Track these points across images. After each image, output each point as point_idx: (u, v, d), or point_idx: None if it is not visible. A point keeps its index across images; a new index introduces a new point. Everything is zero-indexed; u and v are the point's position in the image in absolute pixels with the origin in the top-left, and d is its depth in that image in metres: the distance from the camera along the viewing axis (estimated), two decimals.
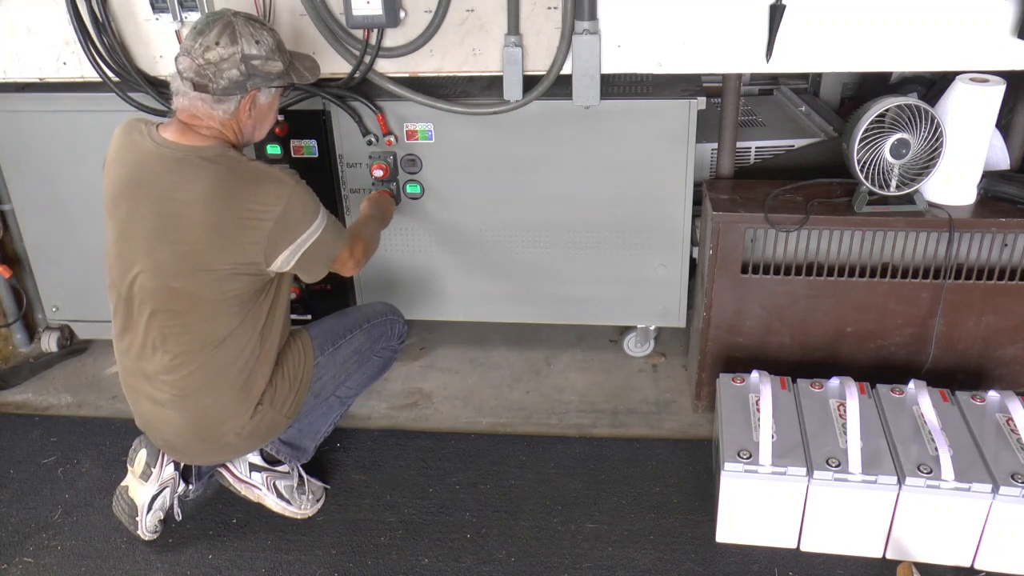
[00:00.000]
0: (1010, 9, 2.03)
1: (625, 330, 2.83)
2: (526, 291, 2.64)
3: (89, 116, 2.49)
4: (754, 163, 2.65)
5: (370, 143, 2.44)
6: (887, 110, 2.08)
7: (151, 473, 2.09)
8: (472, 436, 2.49)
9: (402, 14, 2.16)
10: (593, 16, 2.10)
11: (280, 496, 2.18)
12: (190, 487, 2.17)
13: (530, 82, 2.21)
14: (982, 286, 2.25)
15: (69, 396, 2.75)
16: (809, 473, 1.96)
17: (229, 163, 1.83)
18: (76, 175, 2.57)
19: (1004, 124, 2.36)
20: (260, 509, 2.21)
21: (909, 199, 2.20)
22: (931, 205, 2.22)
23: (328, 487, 2.28)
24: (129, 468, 2.11)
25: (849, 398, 2.01)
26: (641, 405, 2.61)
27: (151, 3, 2.22)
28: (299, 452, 2.21)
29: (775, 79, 3.19)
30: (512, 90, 2.21)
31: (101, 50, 2.27)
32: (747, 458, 1.99)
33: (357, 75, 2.24)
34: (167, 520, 2.15)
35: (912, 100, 2.07)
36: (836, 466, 1.95)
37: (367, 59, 2.20)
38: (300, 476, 2.21)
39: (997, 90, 2.11)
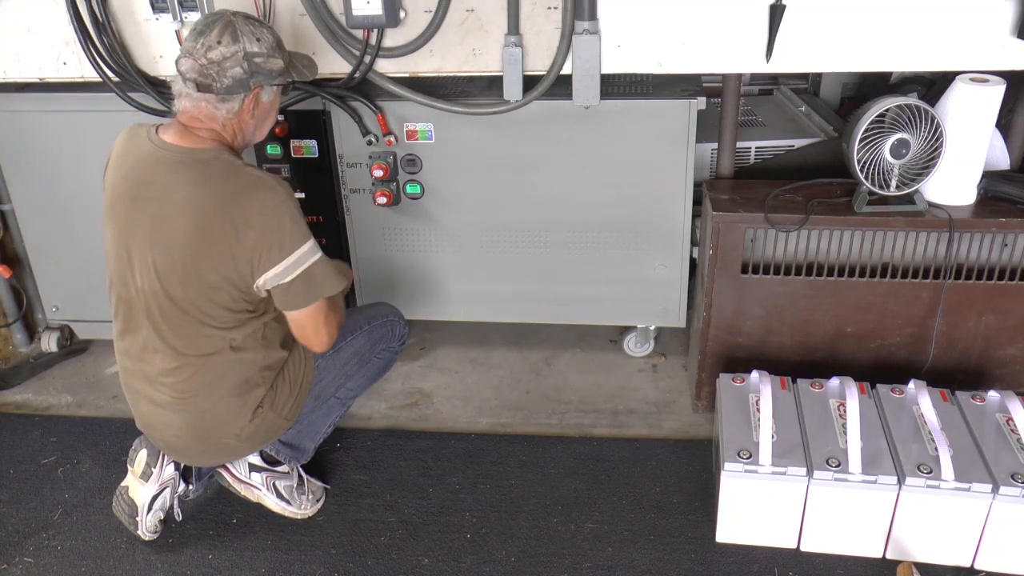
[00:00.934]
0: (1010, 9, 2.03)
1: (625, 330, 2.83)
2: (526, 291, 2.64)
3: (89, 116, 2.49)
4: (754, 163, 2.65)
5: (370, 143, 2.44)
6: (887, 110, 2.08)
7: (151, 473, 2.09)
8: (472, 436, 2.49)
9: (402, 14, 2.16)
10: (593, 16, 2.10)
11: (280, 496, 2.18)
12: (190, 487, 2.17)
13: (530, 82, 2.21)
14: (982, 286, 2.25)
15: (69, 396, 2.75)
16: (809, 473, 1.96)
17: (223, 166, 1.82)
18: (76, 175, 2.57)
19: (1004, 124, 2.36)
20: (260, 509, 2.21)
21: (909, 199, 2.20)
22: (931, 205, 2.22)
23: (328, 487, 2.28)
24: (129, 468, 2.11)
25: (849, 398, 2.01)
26: (641, 405, 2.61)
27: (151, 3, 2.22)
28: (299, 453, 2.21)
29: (775, 79, 3.19)
30: (512, 90, 2.21)
31: (101, 50, 2.27)
32: (747, 458, 1.99)
33: (357, 75, 2.24)
34: (167, 520, 2.15)
35: (912, 100, 2.07)
36: (836, 466, 1.95)
37: (367, 59, 2.20)
38: (300, 476, 2.21)
39: (997, 90, 2.11)
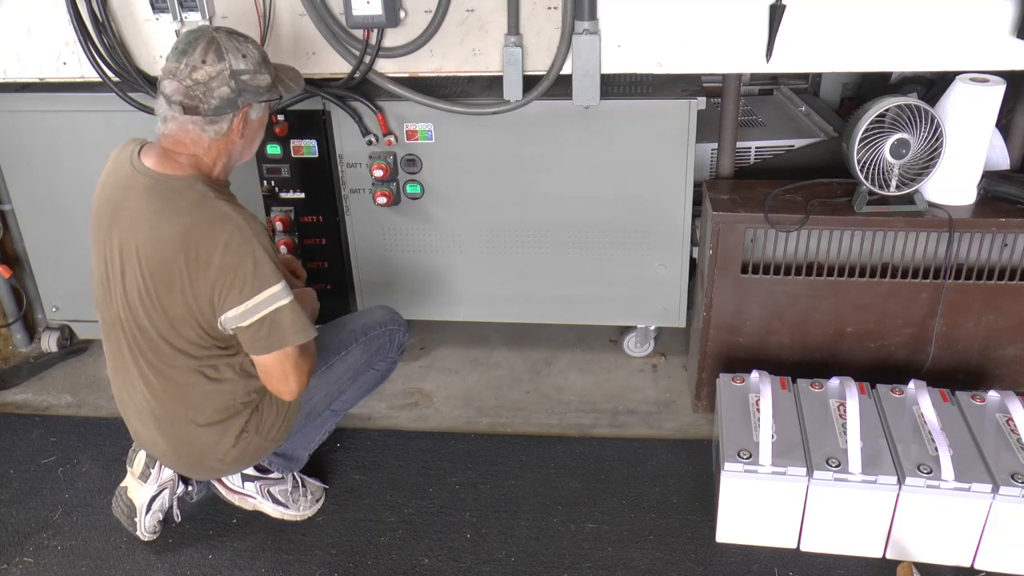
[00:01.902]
0: (1010, 9, 2.03)
1: (625, 330, 2.83)
2: (526, 291, 2.64)
3: (89, 116, 2.49)
4: (754, 163, 2.65)
5: (370, 143, 2.43)
6: (887, 110, 2.08)
7: (150, 474, 2.08)
8: (472, 436, 2.49)
9: (402, 14, 2.16)
10: (593, 16, 2.10)
11: (276, 501, 2.17)
12: (190, 488, 2.16)
13: (530, 82, 2.21)
14: (982, 286, 2.25)
15: (69, 396, 2.75)
16: (809, 473, 1.96)
17: (193, 198, 1.74)
18: (76, 175, 2.57)
19: (1004, 124, 2.35)
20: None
21: (909, 199, 2.20)
22: (931, 205, 2.22)
23: (328, 487, 2.28)
24: (128, 469, 2.11)
25: (849, 398, 2.01)
26: (641, 405, 2.61)
27: (151, 3, 2.21)
28: (291, 462, 2.19)
29: (775, 79, 3.19)
30: (512, 90, 2.21)
31: (101, 50, 2.27)
32: (747, 458, 1.99)
33: (357, 75, 2.24)
34: (166, 521, 2.15)
35: (912, 100, 2.07)
36: (836, 466, 1.95)
37: (367, 59, 2.20)
38: (295, 479, 2.20)
39: (997, 90, 2.11)
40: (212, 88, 1.72)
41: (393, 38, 2.21)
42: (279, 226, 2.56)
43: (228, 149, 1.82)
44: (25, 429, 2.59)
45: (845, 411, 2.05)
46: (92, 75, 2.33)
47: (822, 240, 2.25)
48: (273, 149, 2.48)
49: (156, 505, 2.10)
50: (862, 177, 2.14)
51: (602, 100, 2.20)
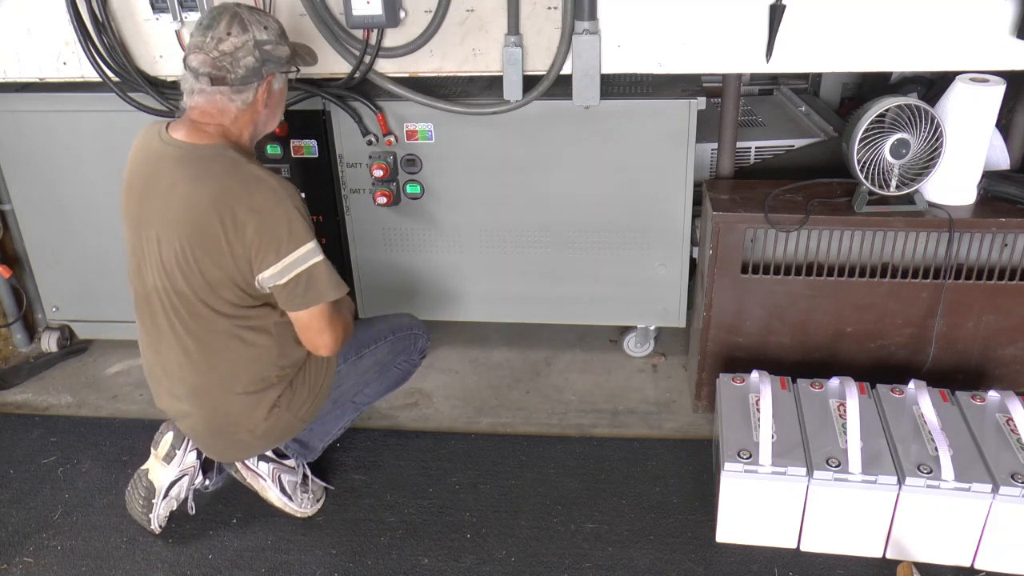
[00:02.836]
0: (1010, 9, 2.03)
1: (625, 330, 2.83)
2: (526, 291, 2.64)
3: (89, 116, 2.49)
4: (754, 163, 2.65)
5: (370, 143, 2.44)
6: (887, 110, 2.08)
7: (175, 456, 2.10)
8: (472, 436, 2.49)
9: (402, 14, 2.16)
10: (593, 16, 2.10)
11: (283, 490, 2.18)
12: (207, 482, 2.20)
13: (530, 82, 2.21)
14: (982, 286, 2.25)
15: (69, 396, 2.75)
16: (809, 473, 1.96)
17: (225, 163, 1.82)
18: (76, 175, 2.58)
19: (1004, 124, 2.35)
20: (260, 509, 2.20)
21: (909, 199, 2.20)
22: (931, 205, 2.22)
23: (330, 488, 2.28)
24: (153, 451, 2.12)
25: (849, 398, 2.01)
26: (641, 405, 2.61)
27: (151, 3, 2.22)
28: (307, 450, 2.22)
29: (775, 79, 3.19)
30: (512, 90, 2.21)
31: (101, 50, 2.27)
32: (747, 458, 1.99)
33: (357, 75, 2.24)
34: (172, 517, 2.15)
35: (912, 100, 2.07)
36: (836, 466, 1.95)
37: (367, 59, 2.20)
38: (305, 474, 2.22)
39: (997, 90, 2.11)
40: (238, 58, 1.79)
41: (393, 38, 2.21)
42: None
43: (253, 119, 1.89)
44: (25, 429, 2.59)
45: (845, 411, 2.05)
46: (92, 75, 2.33)
47: (822, 240, 2.25)
48: (273, 149, 2.48)
49: (173, 492, 2.12)
50: (862, 177, 2.14)
51: (602, 100, 2.20)
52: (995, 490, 1.89)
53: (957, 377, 2.37)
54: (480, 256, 2.60)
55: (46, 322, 2.96)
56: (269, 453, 2.17)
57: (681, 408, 2.58)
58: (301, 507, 2.20)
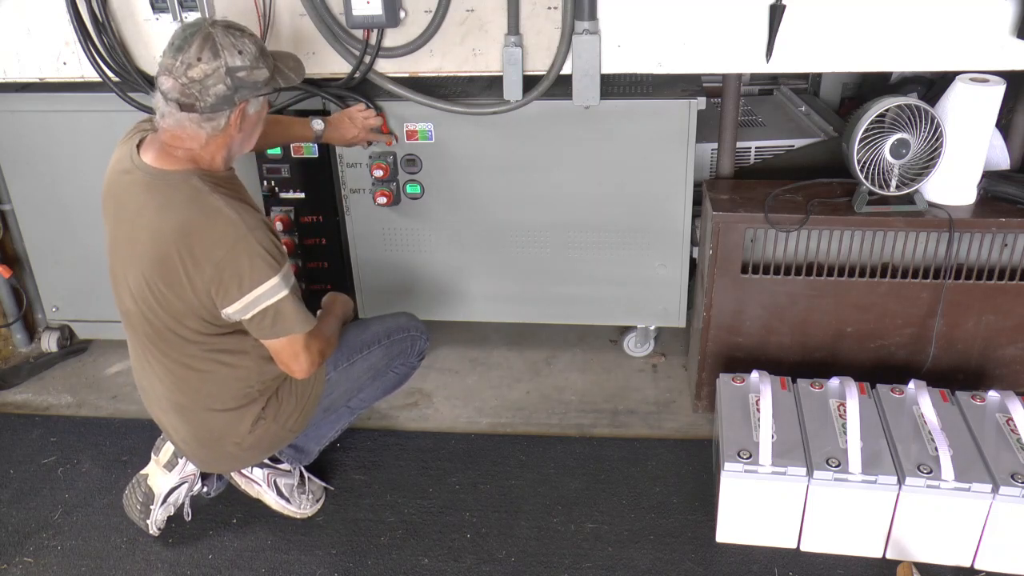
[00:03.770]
0: (1010, 9, 2.03)
1: (625, 330, 2.83)
2: (526, 291, 2.64)
3: (89, 116, 2.49)
4: (754, 163, 2.65)
5: (370, 143, 2.43)
6: (887, 110, 2.08)
7: (176, 464, 2.10)
8: (472, 436, 2.49)
9: (402, 14, 2.16)
10: (593, 16, 2.10)
11: (280, 494, 2.18)
12: (206, 489, 2.20)
13: (530, 82, 2.21)
14: (982, 286, 2.25)
15: (69, 396, 2.75)
16: (809, 473, 1.96)
17: (188, 193, 1.74)
18: (76, 175, 2.58)
19: (1004, 124, 2.35)
20: (260, 509, 2.20)
21: (909, 199, 2.20)
22: (931, 205, 2.22)
23: (330, 488, 2.28)
24: (153, 457, 2.12)
25: (849, 398, 2.01)
26: (641, 405, 2.61)
27: (151, 3, 2.22)
28: (302, 455, 2.21)
29: (775, 79, 3.19)
30: (512, 90, 2.21)
31: (101, 50, 2.27)
32: (747, 458, 1.99)
33: (357, 75, 2.24)
34: (173, 519, 2.16)
35: (912, 100, 2.07)
36: (836, 466, 1.95)
37: (367, 59, 2.20)
38: (301, 475, 2.21)
39: (997, 90, 2.11)
40: (208, 86, 1.70)
41: (393, 38, 2.21)
42: (279, 226, 2.56)
43: (226, 143, 1.81)
44: (25, 429, 2.59)
45: (845, 411, 2.05)
46: (92, 75, 2.33)
47: (822, 240, 2.25)
48: (273, 149, 2.48)
49: (172, 498, 2.12)
50: (862, 177, 2.14)
51: (602, 100, 2.21)
52: (995, 490, 1.89)
53: (957, 377, 2.37)
54: (480, 256, 2.60)
55: (46, 322, 2.96)
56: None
57: (681, 408, 2.58)
58: (300, 508, 2.20)
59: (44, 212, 2.67)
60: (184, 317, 1.80)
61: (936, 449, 1.95)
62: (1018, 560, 1.96)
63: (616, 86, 2.39)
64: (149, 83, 2.31)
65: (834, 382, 2.20)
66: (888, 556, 2.02)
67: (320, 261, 2.66)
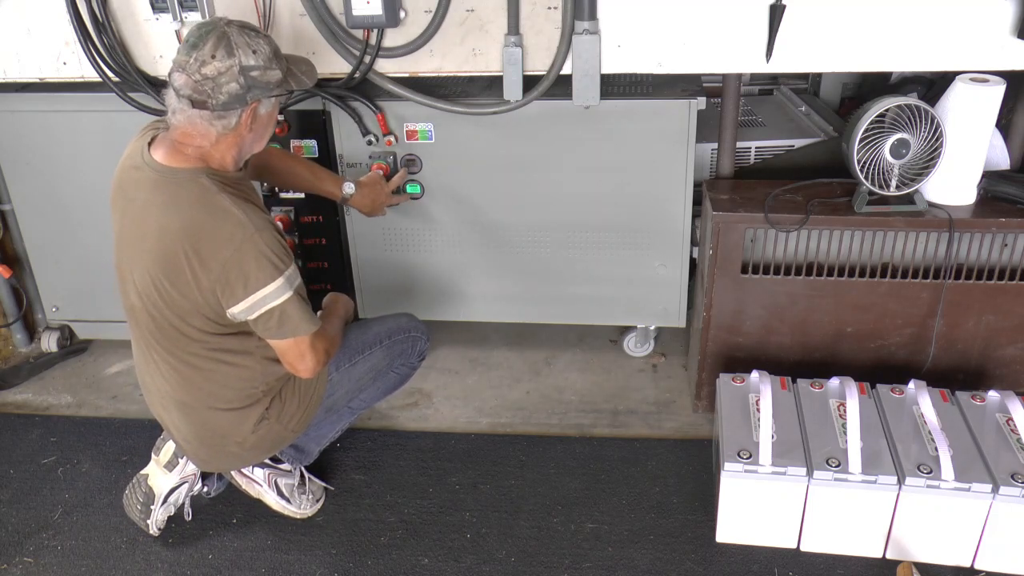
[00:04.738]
0: (1010, 9, 2.03)
1: (625, 330, 2.83)
2: (526, 291, 2.64)
3: (89, 116, 2.49)
4: (754, 163, 2.65)
5: (370, 143, 2.43)
6: (887, 110, 2.08)
7: (177, 463, 2.10)
8: (472, 436, 2.49)
9: (402, 14, 2.16)
10: (593, 16, 2.10)
11: (280, 494, 2.18)
12: (206, 488, 2.20)
13: (530, 82, 2.21)
14: (982, 286, 2.25)
15: (69, 396, 2.75)
16: (809, 473, 1.96)
17: (196, 192, 1.75)
18: (76, 175, 2.58)
19: (1004, 124, 2.35)
20: (260, 509, 2.20)
21: (909, 199, 2.20)
22: (931, 205, 2.22)
23: (330, 488, 2.28)
24: (154, 457, 2.12)
25: (849, 398, 2.01)
26: (641, 405, 2.61)
27: (151, 3, 2.21)
28: (303, 455, 2.22)
29: (775, 79, 3.19)
30: (512, 90, 2.21)
31: (101, 50, 2.27)
32: (747, 458, 1.99)
33: (357, 75, 2.24)
34: (173, 518, 2.16)
35: (912, 100, 2.07)
36: (836, 466, 1.95)
37: (367, 59, 2.20)
38: (302, 475, 2.21)
39: (997, 90, 2.11)
40: (221, 84, 1.71)
41: (393, 38, 2.21)
42: (279, 226, 2.55)
43: (237, 142, 1.82)
44: (25, 429, 2.59)
45: (845, 411, 2.05)
46: (92, 75, 2.33)
47: (822, 240, 2.25)
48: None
49: (172, 498, 2.12)
50: (862, 177, 2.14)
51: (602, 100, 2.20)
52: (995, 490, 1.89)
53: (957, 377, 2.37)
54: (480, 256, 2.60)
55: (46, 322, 2.96)
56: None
57: (681, 408, 2.58)
58: (300, 508, 2.20)
59: (44, 212, 2.67)
60: (189, 315, 1.81)
61: (936, 449, 1.95)
62: (1018, 560, 1.96)
63: (616, 86, 2.39)
64: (149, 83, 2.32)
65: (834, 382, 2.20)
66: (888, 556, 2.02)
67: (320, 261, 2.66)
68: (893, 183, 2.15)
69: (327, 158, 2.50)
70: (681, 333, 2.87)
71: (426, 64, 2.24)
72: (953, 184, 2.21)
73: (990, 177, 2.25)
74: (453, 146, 2.44)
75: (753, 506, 2.02)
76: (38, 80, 2.41)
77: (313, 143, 2.47)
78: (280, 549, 2.12)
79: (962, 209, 2.21)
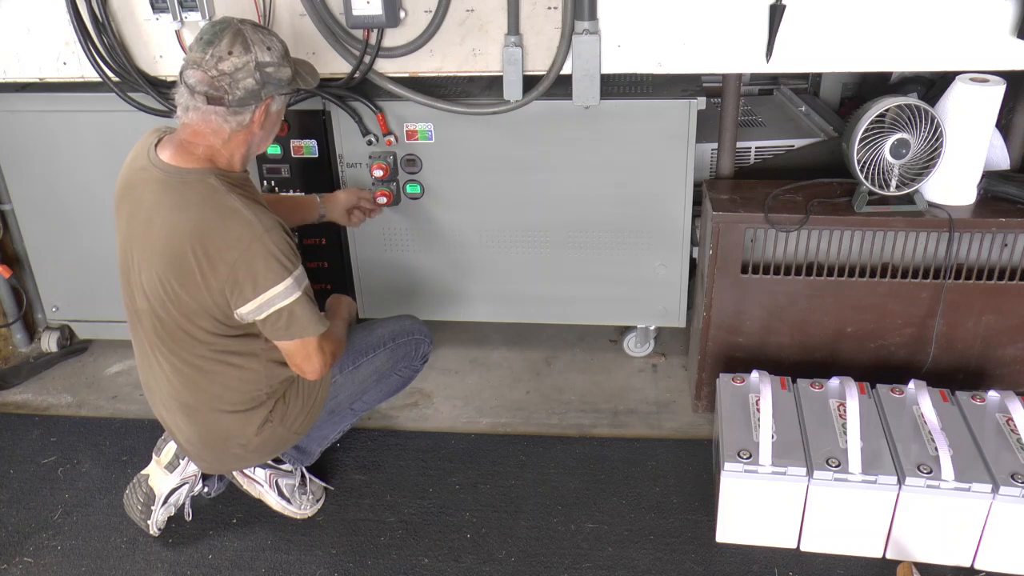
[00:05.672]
0: (1010, 9, 2.03)
1: (625, 330, 2.83)
2: (526, 291, 2.64)
3: (89, 116, 2.49)
4: (754, 163, 2.65)
5: (370, 143, 2.44)
6: (887, 110, 2.08)
7: (178, 464, 2.10)
8: (472, 436, 2.49)
9: (402, 14, 2.16)
10: (593, 16, 2.10)
11: (281, 494, 2.18)
12: (207, 489, 2.20)
13: (530, 82, 2.21)
14: (982, 286, 2.25)
15: (69, 396, 2.75)
16: (809, 473, 1.96)
17: (204, 192, 1.76)
18: (76, 175, 2.58)
19: (1004, 124, 2.35)
20: (260, 509, 2.21)
21: (909, 199, 2.20)
22: (931, 205, 2.22)
23: (330, 488, 2.28)
24: (155, 457, 2.13)
25: (849, 398, 2.01)
26: (641, 405, 2.61)
27: (151, 3, 2.21)
28: (304, 456, 2.22)
29: (775, 79, 3.19)
30: (512, 90, 2.21)
31: (101, 50, 2.27)
32: (747, 458, 1.99)
33: (357, 75, 2.24)
34: (173, 518, 2.16)
35: (912, 100, 2.07)
36: (836, 466, 1.95)
37: (367, 59, 2.20)
38: (303, 475, 2.21)
39: (997, 90, 2.11)
40: (238, 79, 1.73)
41: (393, 38, 2.21)
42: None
43: (247, 140, 1.83)
44: (25, 429, 2.59)
45: (845, 411, 2.05)
46: (92, 75, 2.33)
47: (822, 240, 2.25)
48: (273, 149, 2.48)
49: (173, 498, 2.12)
50: (862, 177, 2.14)
51: (602, 100, 2.21)
52: (995, 490, 1.89)
53: (957, 377, 2.37)
54: (480, 256, 2.60)
55: (46, 322, 2.96)
56: None
57: (681, 408, 2.58)
58: (300, 509, 2.20)
59: (44, 212, 2.67)
60: (197, 316, 1.81)
61: (936, 449, 1.95)
62: (1018, 560, 1.96)
63: (616, 86, 2.39)
64: (149, 83, 2.32)
65: (834, 382, 2.20)
66: (888, 556, 2.02)
67: (320, 261, 2.66)
68: (893, 183, 2.15)
69: (327, 158, 2.50)
70: (681, 333, 2.87)
71: (426, 64, 2.24)
72: (953, 184, 2.21)
73: (990, 177, 2.25)
74: (453, 146, 2.44)
75: (753, 506, 2.02)
76: (38, 80, 2.41)
77: (313, 143, 2.48)
78: (280, 549, 2.12)
79: (962, 209, 2.21)
